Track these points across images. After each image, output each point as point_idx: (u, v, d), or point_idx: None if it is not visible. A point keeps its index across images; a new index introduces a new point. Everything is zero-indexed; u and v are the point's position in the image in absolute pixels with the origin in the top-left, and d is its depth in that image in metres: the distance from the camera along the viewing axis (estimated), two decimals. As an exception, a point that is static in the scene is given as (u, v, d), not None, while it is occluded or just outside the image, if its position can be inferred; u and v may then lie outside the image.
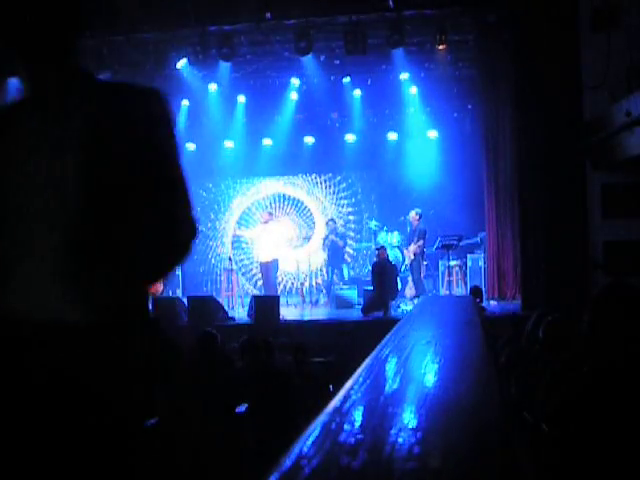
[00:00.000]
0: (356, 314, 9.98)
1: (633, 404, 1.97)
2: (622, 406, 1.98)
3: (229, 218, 14.77)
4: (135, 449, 1.49)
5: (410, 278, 11.41)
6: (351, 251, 13.53)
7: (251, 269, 14.01)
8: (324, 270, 12.67)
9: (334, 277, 11.99)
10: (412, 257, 11.19)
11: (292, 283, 14.02)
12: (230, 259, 12.53)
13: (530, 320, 4.45)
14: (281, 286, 14.17)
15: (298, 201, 14.56)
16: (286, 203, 14.59)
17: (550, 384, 2.37)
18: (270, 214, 12.09)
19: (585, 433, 1.99)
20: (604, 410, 1.99)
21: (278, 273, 12.57)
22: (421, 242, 11.09)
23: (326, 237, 12.05)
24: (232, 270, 12.19)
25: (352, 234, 13.96)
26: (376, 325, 8.63)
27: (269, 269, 11.56)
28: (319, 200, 14.46)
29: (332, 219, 12.57)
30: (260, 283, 12.60)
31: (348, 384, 1.04)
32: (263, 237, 11.56)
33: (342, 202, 14.32)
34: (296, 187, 14.60)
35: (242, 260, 14.21)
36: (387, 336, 1.62)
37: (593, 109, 8.77)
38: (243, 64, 12.10)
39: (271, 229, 11.60)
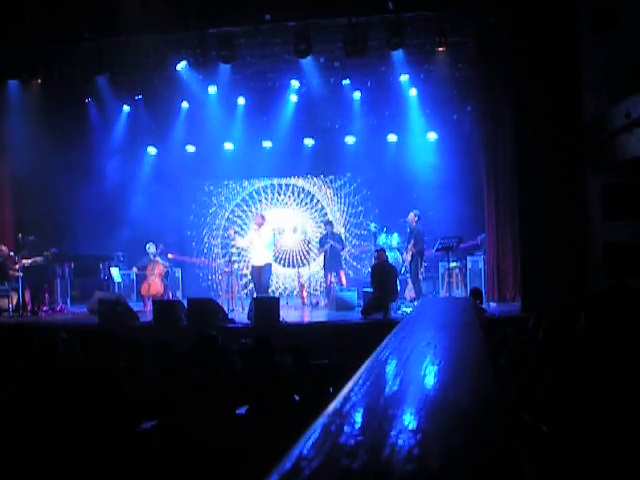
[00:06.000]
0: (356, 316, 9.97)
1: (632, 405, 1.97)
2: (621, 407, 1.98)
3: (227, 218, 14.78)
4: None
5: (409, 280, 11.40)
6: (354, 249, 13.51)
7: (246, 274, 13.98)
8: (322, 273, 12.59)
9: (332, 280, 11.93)
10: (409, 259, 11.18)
11: (292, 285, 14.01)
12: (229, 261, 12.49)
13: (530, 322, 4.45)
14: (281, 288, 14.17)
15: (309, 193, 14.55)
16: (297, 195, 14.57)
17: (550, 385, 2.37)
18: (263, 217, 11.59)
19: (585, 433, 1.99)
20: (604, 411, 1.99)
21: (277, 275, 12.50)
22: (412, 243, 11.03)
23: (324, 239, 11.97)
24: (231, 273, 12.13)
25: (352, 236, 13.95)
26: (376, 327, 8.61)
27: (261, 273, 11.39)
28: (320, 202, 14.46)
29: (330, 222, 12.42)
30: (251, 286, 12.47)
31: (348, 386, 1.04)
32: (256, 241, 11.38)
33: (342, 204, 14.31)
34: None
35: (239, 263, 14.18)
36: (387, 338, 1.62)
37: (593, 110, 8.77)
38: (243, 66, 12.10)
39: (264, 233, 11.34)
